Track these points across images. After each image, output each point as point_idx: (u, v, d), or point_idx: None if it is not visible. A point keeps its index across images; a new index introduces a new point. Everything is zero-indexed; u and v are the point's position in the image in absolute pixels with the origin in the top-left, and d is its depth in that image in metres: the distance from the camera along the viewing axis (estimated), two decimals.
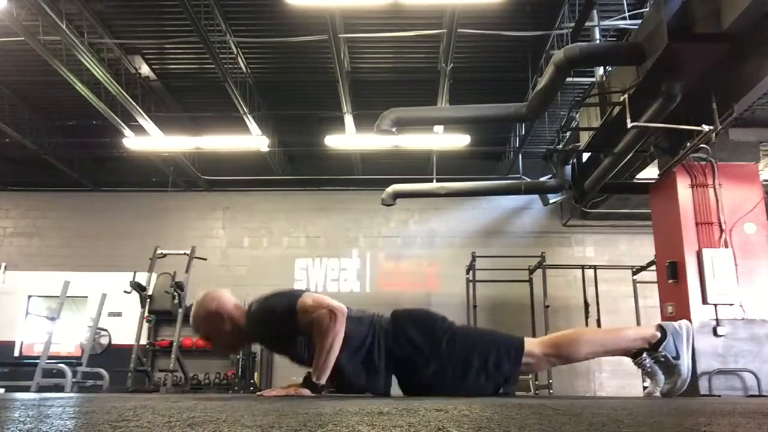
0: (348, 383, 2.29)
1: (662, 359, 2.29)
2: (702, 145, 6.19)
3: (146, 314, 8.14)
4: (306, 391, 2.13)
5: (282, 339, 2.30)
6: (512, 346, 2.28)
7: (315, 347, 2.20)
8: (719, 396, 5.83)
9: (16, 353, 10.58)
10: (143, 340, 8.46)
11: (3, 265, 11.11)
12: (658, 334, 2.30)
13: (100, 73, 7.27)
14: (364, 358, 2.27)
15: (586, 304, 9.10)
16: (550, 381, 8.81)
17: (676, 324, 2.34)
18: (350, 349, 2.24)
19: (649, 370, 2.33)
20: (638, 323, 8.84)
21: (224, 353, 2.40)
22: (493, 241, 10.83)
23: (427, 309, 2.48)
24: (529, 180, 9.51)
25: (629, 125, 5.91)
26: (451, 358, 2.24)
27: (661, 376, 2.33)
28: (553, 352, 2.29)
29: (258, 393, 2.46)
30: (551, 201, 10.65)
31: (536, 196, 10.64)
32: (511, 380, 2.27)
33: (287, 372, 9.93)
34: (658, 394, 2.35)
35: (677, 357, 2.28)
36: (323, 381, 2.15)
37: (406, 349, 2.27)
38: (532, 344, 2.30)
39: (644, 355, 2.32)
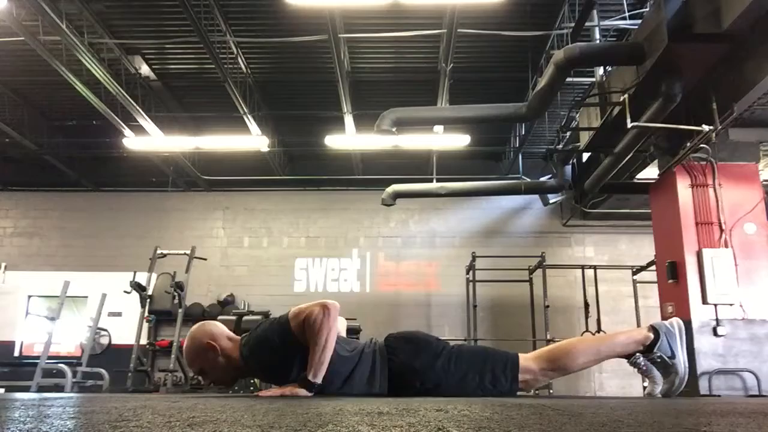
0: None
1: (658, 360, 2.29)
2: (702, 145, 6.19)
3: (146, 314, 8.14)
4: (303, 391, 2.10)
5: (278, 364, 2.24)
6: (507, 362, 2.26)
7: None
8: (719, 396, 5.83)
9: (16, 353, 10.59)
10: (143, 340, 8.45)
11: (3, 265, 11.11)
12: (651, 336, 2.30)
13: (100, 73, 7.27)
14: (351, 387, 2.24)
15: (586, 304, 9.10)
16: (550, 381, 8.80)
17: (667, 323, 2.34)
18: (338, 379, 2.21)
19: (644, 368, 2.33)
20: (638, 323, 8.85)
21: (220, 386, 2.35)
22: (493, 241, 10.83)
23: (420, 332, 2.45)
24: (529, 180, 9.51)
25: (629, 125, 5.90)
26: (447, 379, 2.23)
27: (657, 375, 2.33)
28: (549, 366, 2.28)
29: (256, 393, 2.44)
30: (551, 201, 10.65)
31: (536, 196, 10.64)
32: (510, 395, 2.26)
33: None
34: (657, 393, 2.35)
35: (672, 356, 2.28)
36: (319, 379, 2.12)
37: (402, 372, 2.26)
38: (527, 360, 2.29)
39: (637, 354, 2.32)
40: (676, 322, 2.35)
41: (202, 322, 2.41)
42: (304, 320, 2.15)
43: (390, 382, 2.27)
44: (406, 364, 2.26)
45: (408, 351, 2.29)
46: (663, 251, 7.11)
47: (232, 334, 2.36)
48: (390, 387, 2.27)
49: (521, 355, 2.30)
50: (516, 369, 2.24)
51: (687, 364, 2.31)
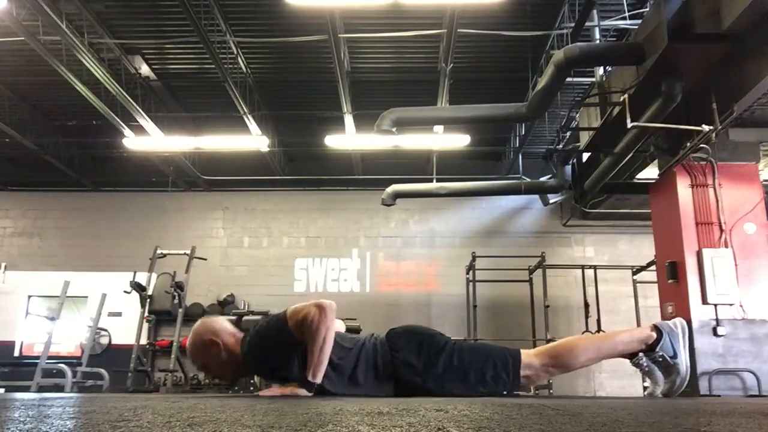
0: None
1: (660, 359, 2.29)
2: (702, 145, 6.19)
3: (146, 314, 8.15)
4: (302, 391, 2.11)
5: (278, 361, 2.25)
6: (509, 359, 2.26)
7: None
8: (719, 396, 5.83)
9: (16, 353, 10.59)
10: (143, 340, 8.46)
11: (3, 265, 11.11)
12: (654, 335, 2.30)
13: (100, 73, 7.27)
14: (355, 385, 2.24)
15: (586, 304, 9.10)
16: (550, 381, 8.81)
17: (670, 323, 2.34)
18: (342, 376, 2.21)
19: (646, 369, 2.33)
20: (638, 323, 8.84)
21: (223, 381, 2.34)
22: (493, 241, 10.83)
23: (421, 326, 2.43)
24: (529, 180, 9.51)
25: (629, 125, 5.90)
26: (448, 376, 2.22)
27: (659, 375, 2.33)
28: (550, 363, 2.28)
29: (256, 393, 2.44)
30: (551, 201, 10.65)
31: (536, 196, 10.63)
32: (511, 390, 2.26)
33: None
34: (659, 393, 2.35)
35: (674, 356, 2.28)
36: (319, 379, 2.13)
37: (402, 369, 2.25)
38: (529, 356, 2.28)
39: (640, 354, 2.32)
40: (679, 322, 2.35)
41: (206, 317, 2.42)
42: (301, 320, 2.15)
43: (389, 380, 2.26)
44: (408, 360, 2.25)
45: (410, 347, 2.28)
46: (663, 251, 7.11)
47: (235, 330, 2.36)
48: (389, 385, 2.26)
49: (523, 351, 2.30)
50: (518, 365, 2.24)
51: (689, 365, 2.31)
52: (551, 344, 2.40)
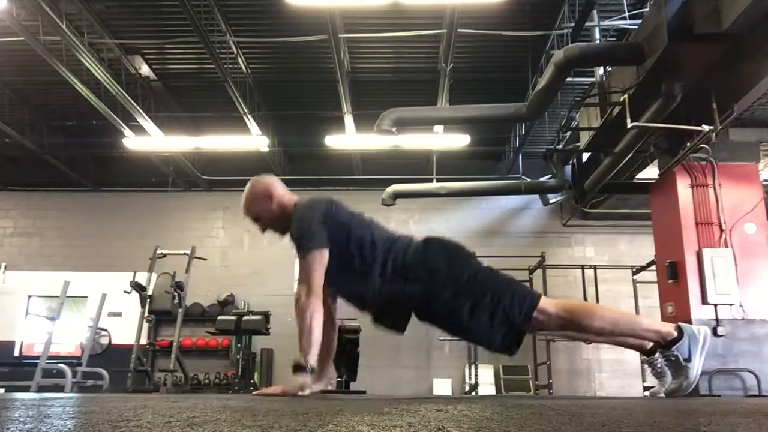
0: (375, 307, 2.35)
1: (673, 358, 2.28)
2: (702, 145, 6.19)
3: (146, 314, 8.14)
4: (298, 383, 2.13)
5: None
6: (528, 297, 2.25)
7: (337, 258, 2.29)
8: (719, 396, 5.83)
9: (16, 353, 10.58)
10: (143, 340, 8.45)
11: (3, 265, 11.11)
12: (675, 333, 2.29)
13: (100, 73, 7.27)
14: (379, 279, 2.30)
15: None
16: (550, 381, 8.81)
17: (694, 328, 2.33)
18: (377, 263, 2.28)
19: (659, 370, 2.32)
20: None
21: (273, 232, 2.42)
22: (493, 241, 10.82)
23: (460, 244, 2.49)
24: (529, 180, 9.51)
25: (629, 125, 5.90)
26: (466, 292, 2.24)
27: (669, 378, 2.32)
28: (566, 315, 2.24)
29: (254, 393, 2.47)
30: (551, 201, 10.65)
31: (536, 196, 10.63)
32: (518, 330, 2.22)
33: (287, 372, 9.93)
34: (662, 394, 2.35)
35: (688, 359, 2.27)
36: (312, 361, 2.19)
37: (428, 271, 2.28)
38: (547, 302, 2.26)
39: (657, 354, 2.31)
40: (704, 330, 2.34)
41: (262, 175, 2.59)
42: (297, 288, 2.26)
43: (413, 278, 2.28)
44: (435, 265, 2.30)
45: (440, 254, 2.36)
46: (663, 251, 7.11)
47: (288, 193, 2.52)
48: (412, 283, 2.28)
49: (543, 297, 2.29)
50: (533, 306, 2.21)
51: (699, 373, 2.29)
52: (572, 300, 2.39)
